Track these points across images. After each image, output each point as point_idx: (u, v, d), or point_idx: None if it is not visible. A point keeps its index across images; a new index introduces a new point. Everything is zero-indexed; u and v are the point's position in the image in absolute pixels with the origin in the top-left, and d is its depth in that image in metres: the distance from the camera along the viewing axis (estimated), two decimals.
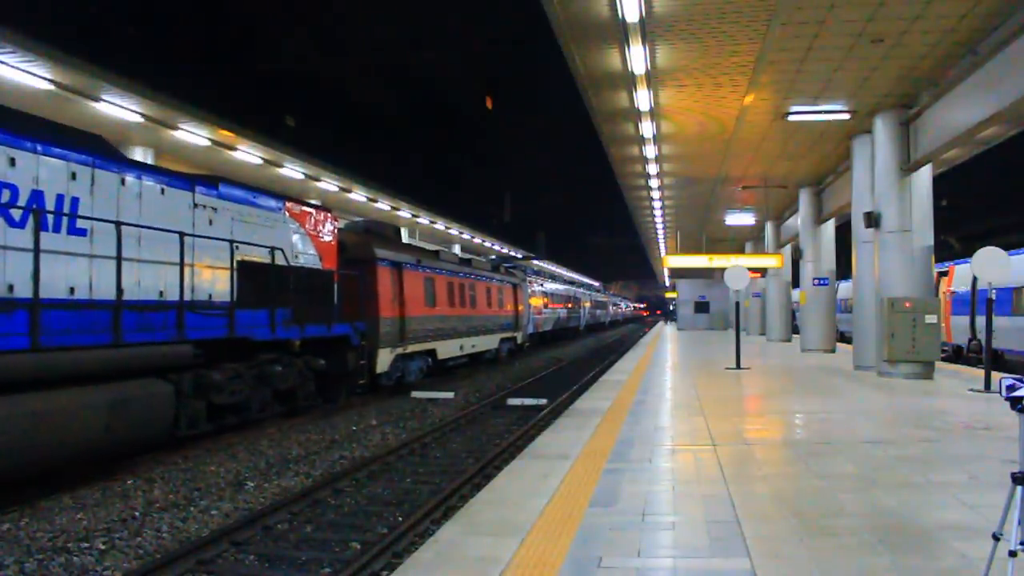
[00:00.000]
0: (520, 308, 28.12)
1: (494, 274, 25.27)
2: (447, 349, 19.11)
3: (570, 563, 4.35)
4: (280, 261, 11.25)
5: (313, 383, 12.45)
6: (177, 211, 9.31)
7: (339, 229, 14.47)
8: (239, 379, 10.26)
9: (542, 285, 36.85)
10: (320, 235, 12.81)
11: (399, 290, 16.13)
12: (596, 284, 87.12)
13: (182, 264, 9.10)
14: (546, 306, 37.04)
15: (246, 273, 10.48)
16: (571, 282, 55.76)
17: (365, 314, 14.11)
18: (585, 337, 50.37)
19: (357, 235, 16.07)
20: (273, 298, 10.99)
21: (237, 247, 10.31)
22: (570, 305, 45.42)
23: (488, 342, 23.26)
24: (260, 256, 10.91)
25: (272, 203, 11.57)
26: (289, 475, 8.86)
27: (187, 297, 9.29)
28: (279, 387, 11.30)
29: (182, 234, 9.11)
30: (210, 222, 9.93)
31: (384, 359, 15.11)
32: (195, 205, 9.67)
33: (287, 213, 11.86)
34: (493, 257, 37.14)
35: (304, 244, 12.26)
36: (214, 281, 9.92)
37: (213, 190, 10.12)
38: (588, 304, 56.31)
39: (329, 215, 13.29)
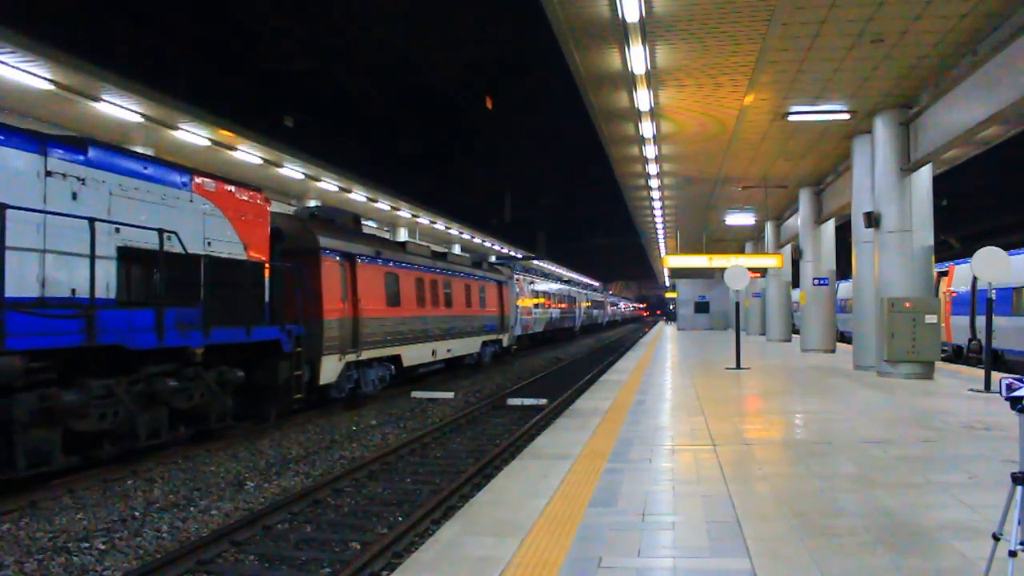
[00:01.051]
0: (506, 308, 26.10)
1: (475, 270, 23.07)
2: (415, 354, 17.08)
3: (570, 563, 4.34)
4: (176, 248, 8.96)
5: (230, 400, 10.25)
6: (17, 179, 7.22)
7: (277, 215, 12.68)
8: (112, 399, 8.03)
9: (532, 283, 34.94)
10: (245, 219, 10.60)
11: (351, 286, 14.02)
12: (595, 284, 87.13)
13: (2, 249, 6.77)
14: (537, 306, 35.45)
15: (127, 263, 8.48)
16: (567, 281, 55.24)
17: (305, 315, 11.87)
18: (582, 338, 50.21)
19: (299, 221, 13.68)
20: (163, 295, 8.78)
21: (117, 230, 8.26)
22: (564, 305, 44.39)
23: (468, 345, 21.33)
24: (154, 243, 8.76)
25: (175, 177, 9.35)
26: (289, 475, 8.87)
27: (33, 293, 7.26)
28: (178, 406, 9.14)
29: (2, 207, 6.78)
30: (74, 196, 7.81)
31: (330, 368, 12.86)
32: (48, 173, 7.57)
33: (196, 191, 9.71)
34: (495, 258, 36.95)
35: (221, 229, 10.06)
36: (77, 273, 7.78)
37: (78, 155, 7.98)
38: (585, 304, 55.74)
39: (260, 196, 11.13)
